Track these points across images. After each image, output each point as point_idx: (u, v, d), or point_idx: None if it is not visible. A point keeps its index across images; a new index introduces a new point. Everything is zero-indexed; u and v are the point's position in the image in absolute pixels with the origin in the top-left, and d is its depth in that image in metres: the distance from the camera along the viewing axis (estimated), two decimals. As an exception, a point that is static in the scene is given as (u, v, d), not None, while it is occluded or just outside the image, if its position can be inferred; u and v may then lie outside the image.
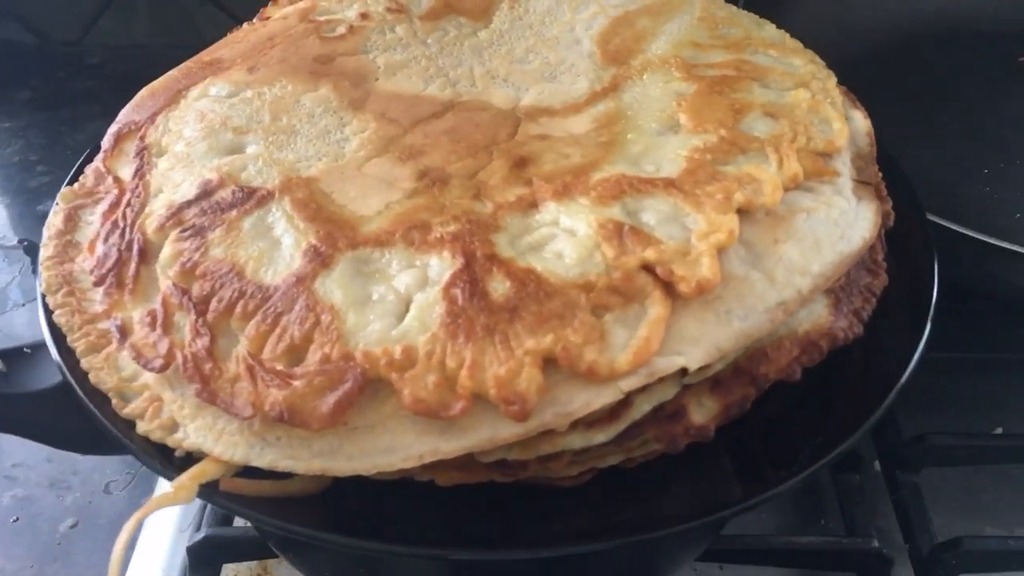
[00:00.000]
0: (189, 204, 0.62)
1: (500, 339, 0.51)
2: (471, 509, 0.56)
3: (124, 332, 0.57)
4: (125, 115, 0.71)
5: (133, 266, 0.60)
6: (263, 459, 0.52)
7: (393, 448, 0.51)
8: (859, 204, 0.61)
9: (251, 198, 0.61)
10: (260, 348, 0.54)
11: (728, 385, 0.56)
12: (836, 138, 0.65)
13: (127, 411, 0.57)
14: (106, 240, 0.62)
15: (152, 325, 0.56)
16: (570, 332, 0.52)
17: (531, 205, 0.60)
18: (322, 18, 0.78)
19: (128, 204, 0.64)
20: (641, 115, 0.69)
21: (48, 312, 0.63)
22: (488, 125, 0.69)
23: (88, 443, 0.68)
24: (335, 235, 0.58)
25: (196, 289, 0.57)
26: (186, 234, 0.60)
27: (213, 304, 0.56)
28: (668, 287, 0.54)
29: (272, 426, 0.53)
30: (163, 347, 0.55)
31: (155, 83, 0.73)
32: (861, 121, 0.69)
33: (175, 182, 0.64)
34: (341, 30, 0.77)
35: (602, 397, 0.51)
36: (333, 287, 0.55)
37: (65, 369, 0.60)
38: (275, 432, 0.53)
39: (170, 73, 0.74)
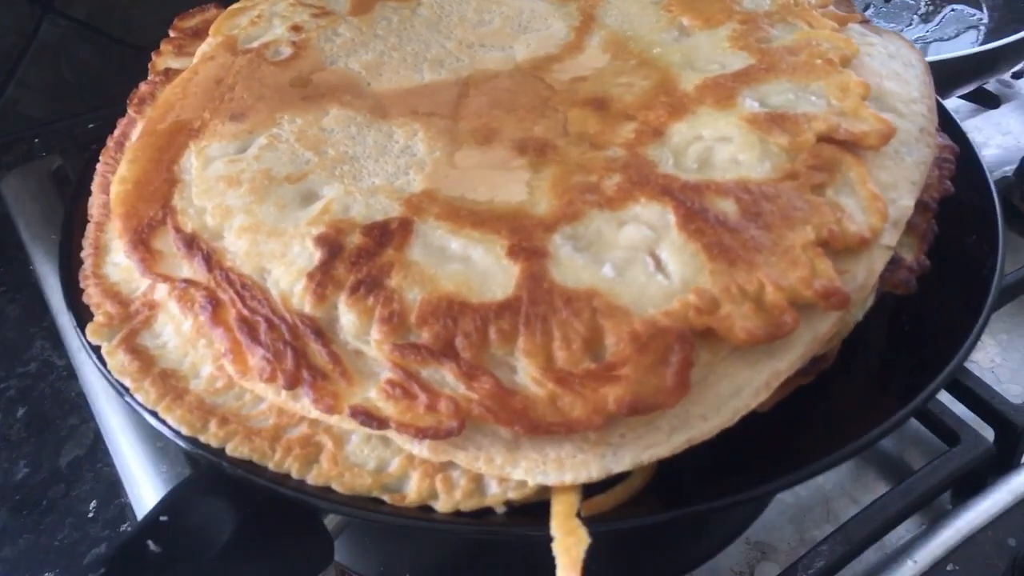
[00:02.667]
0: (327, 265, 0.53)
1: (773, 248, 0.51)
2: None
3: (376, 417, 0.48)
4: (126, 216, 0.58)
5: (323, 351, 0.50)
6: (623, 462, 0.48)
7: (739, 389, 0.50)
8: (883, 37, 0.68)
9: (392, 232, 0.54)
10: (549, 360, 0.49)
11: (912, 220, 0.60)
12: (823, -7, 0.70)
13: (412, 499, 0.49)
14: (256, 342, 0.51)
15: (407, 394, 0.49)
16: (821, 216, 0.53)
17: (656, 134, 0.60)
18: (254, 44, 0.69)
19: (241, 297, 0.53)
20: (642, 32, 0.69)
21: (217, 454, 0.51)
22: (520, 87, 0.66)
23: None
24: (521, 228, 0.54)
25: (427, 337, 0.50)
26: (361, 292, 0.51)
27: (460, 342, 0.49)
28: (852, 146, 0.57)
29: (610, 429, 0.48)
30: (447, 406, 0.48)
31: (124, 173, 0.60)
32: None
33: (277, 254, 0.54)
34: (286, 51, 0.68)
35: (878, 259, 0.53)
36: (573, 271, 0.51)
37: (308, 496, 0.50)
38: (617, 431, 0.49)
39: (136, 156, 0.61)
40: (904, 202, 0.56)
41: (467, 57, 0.69)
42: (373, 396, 0.49)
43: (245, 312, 0.52)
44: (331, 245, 0.54)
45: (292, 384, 0.50)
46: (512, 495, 0.49)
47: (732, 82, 0.61)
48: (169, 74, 0.70)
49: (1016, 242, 1.04)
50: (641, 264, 0.52)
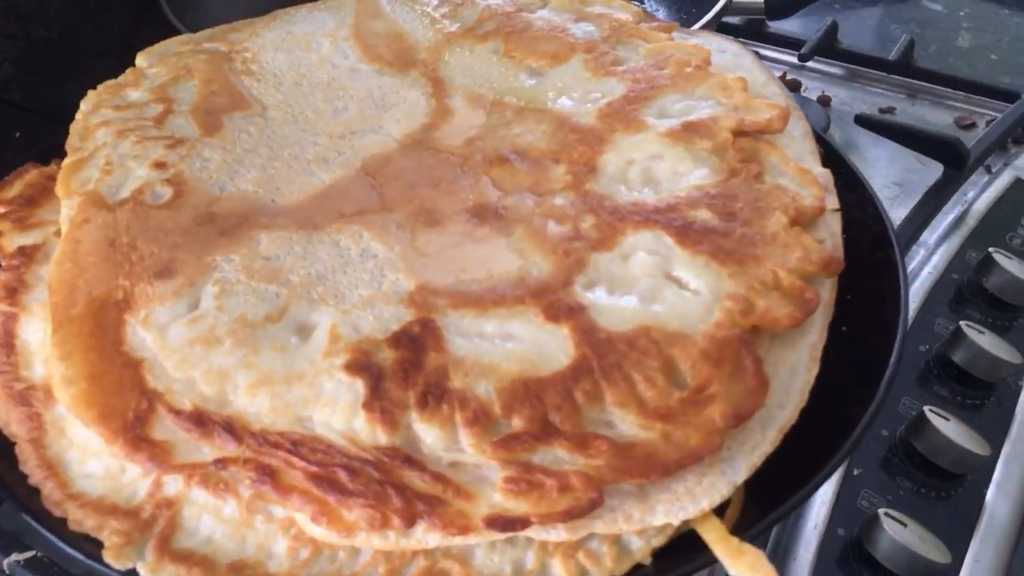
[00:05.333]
0: (379, 390, 0.50)
1: (763, 239, 0.56)
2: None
3: (514, 519, 0.47)
4: (104, 418, 0.50)
5: (423, 476, 0.48)
6: (741, 471, 0.50)
7: (794, 370, 0.54)
8: (700, 37, 0.75)
9: (419, 336, 0.52)
10: (641, 403, 0.50)
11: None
12: (633, 12, 0.77)
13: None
14: (347, 493, 0.47)
15: (533, 485, 0.47)
16: (779, 199, 0.59)
17: (590, 169, 0.62)
18: (123, 193, 0.61)
19: (299, 455, 0.48)
20: (496, 82, 0.72)
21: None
22: (422, 162, 0.65)
23: None
24: (541, 291, 0.54)
25: (520, 423, 0.49)
26: (430, 403, 0.49)
27: (555, 417, 0.49)
28: (758, 135, 0.63)
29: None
30: (580, 481, 0.47)
31: (65, 373, 0.52)
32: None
33: (310, 398, 0.50)
34: (166, 191, 0.62)
35: (834, 223, 0.60)
36: (616, 314, 0.53)
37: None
38: (724, 447, 0.51)
39: (68, 351, 0.52)
40: (819, 169, 0.63)
41: (347, 148, 0.67)
42: (499, 500, 0.47)
43: (314, 468, 0.48)
44: (368, 369, 0.51)
45: (411, 521, 0.47)
46: (655, 542, 0.50)
47: (627, 106, 0.65)
48: (27, 252, 0.61)
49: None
50: (667, 288, 0.54)
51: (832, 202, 0.60)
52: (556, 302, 0.53)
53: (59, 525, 0.51)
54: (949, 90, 1.34)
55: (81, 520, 0.51)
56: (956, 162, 1.12)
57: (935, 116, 1.32)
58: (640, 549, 0.49)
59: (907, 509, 0.76)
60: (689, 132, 0.62)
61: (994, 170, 1.18)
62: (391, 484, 0.47)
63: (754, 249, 0.55)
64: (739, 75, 0.68)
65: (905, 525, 0.74)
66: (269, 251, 0.58)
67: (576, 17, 0.75)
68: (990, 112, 1.30)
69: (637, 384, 0.50)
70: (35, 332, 0.58)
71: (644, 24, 0.76)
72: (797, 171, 0.61)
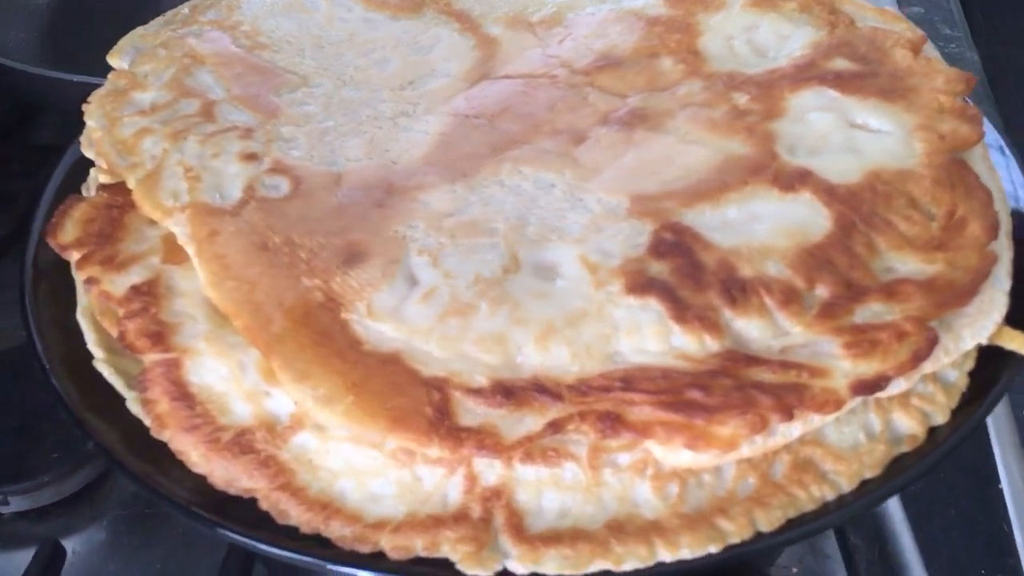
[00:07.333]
0: (679, 302, 0.46)
1: (904, 72, 0.58)
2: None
3: (874, 380, 0.45)
4: (405, 422, 0.43)
5: (769, 368, 0.45)
6: (1005, 280, 0.51)
7: (984, 179, 0.56)
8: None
9: (676, 243, 0.49)
10: (909, 241, 0.50)
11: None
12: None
13: (918, 431, 0.48)
14: (711, 410, 0.43)
15: (874, 344, 0.46)
16: (888, 38, 0.61)
17: (694, 54, 0.62)
18: (234, 195, 0.52)
19: (636, 389, 0.44)
20: (521, 3, 0.68)
21: (757, 537, 0.44)
22: (516, 92, 0.61)
23: None
24: (757, 168, 0.53)
25: (828, 291, 0.47)
26: (737, 297, 0.47)
27: (853, 276, 0.48)
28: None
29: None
30: (913, 326, 0.46)
31: (322, 393, 0.43)
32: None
33: (607, 333, 0.46)
34: (282, 182, 0.53)
35: (933, 51, 0.62)
36: (840, 169, 0.53)
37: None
38: (978, 262, 0.52)
39: (308, 369, 0.44)
40: (886, 5, 0.65)
41: (418, 99, 0.61)
42: (849, 367, 0.46)
43: (662, 397, 0.44)
44: (653, 286, 0.47)
45: (789, 414, 0.44)
46: (967, 367, 0.50)
47: (700, -7, 0.64)
48: (143, 291, 0.50)
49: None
50: (858, 135, 0.54)
51: (921, 32, 0.63)
52: (780, 173, 0.52)
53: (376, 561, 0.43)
54: None
55: (406, 545, 0.43)
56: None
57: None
58: (959, 378, 0.50)
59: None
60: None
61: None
62: (750, 385, 0.44)
63: (905, 82, 0.57)
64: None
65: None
66: (444, 207, 0.52)
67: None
68: None
69: (898, 225, 0.50)
70: (212, 371, 0.48)
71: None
72: (877, 12, 0.63)
